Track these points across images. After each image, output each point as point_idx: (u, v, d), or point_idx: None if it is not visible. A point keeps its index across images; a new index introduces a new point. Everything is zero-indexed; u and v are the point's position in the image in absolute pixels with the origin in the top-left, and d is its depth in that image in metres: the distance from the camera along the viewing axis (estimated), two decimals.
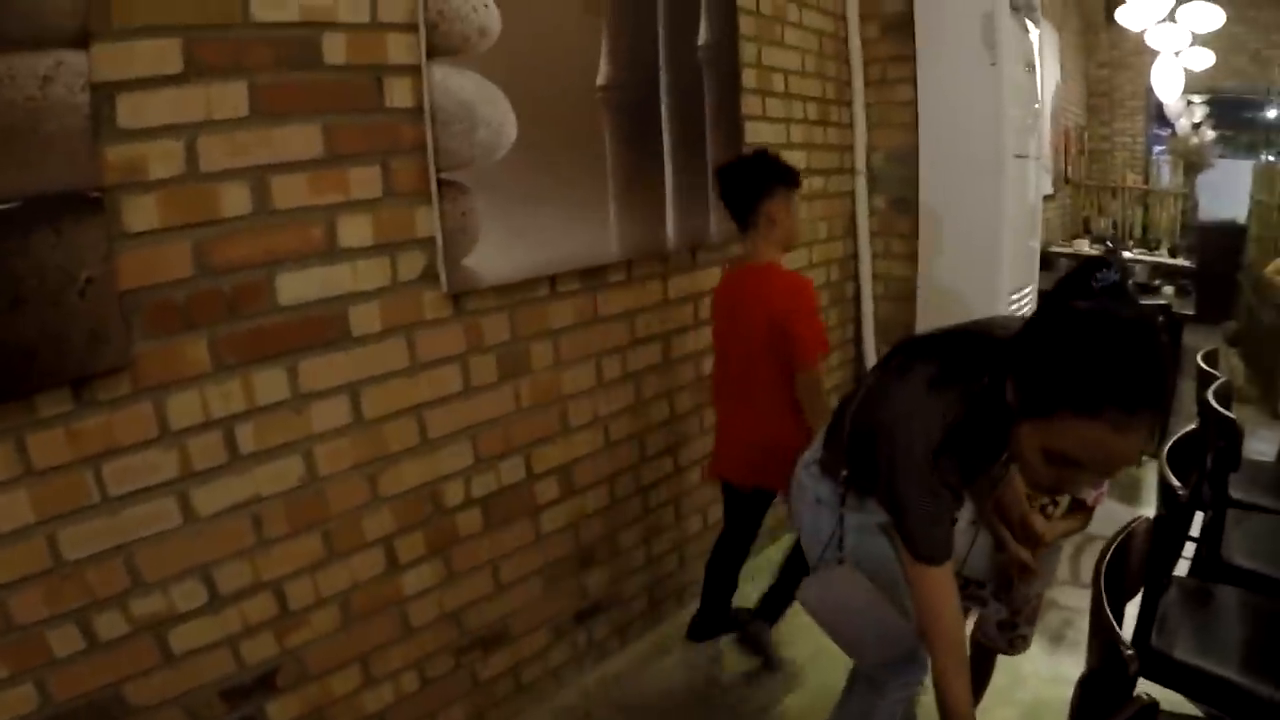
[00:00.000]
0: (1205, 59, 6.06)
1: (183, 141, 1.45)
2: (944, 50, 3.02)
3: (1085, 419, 1.12)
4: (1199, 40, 5.70)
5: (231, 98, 1.51)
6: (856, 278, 3.40)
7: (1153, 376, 1.13)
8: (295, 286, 1.63)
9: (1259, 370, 5.00)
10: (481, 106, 1.78)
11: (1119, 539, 1.51)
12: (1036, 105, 3.40)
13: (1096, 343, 1.14)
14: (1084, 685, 1.41)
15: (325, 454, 1.71)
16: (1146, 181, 7.46)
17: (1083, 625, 2.93)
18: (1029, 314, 1.33)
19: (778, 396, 2.17)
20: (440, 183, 1.76)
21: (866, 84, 3.18)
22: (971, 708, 1.33)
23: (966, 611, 1.84)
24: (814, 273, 3.14)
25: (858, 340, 3.51)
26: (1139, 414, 1.12)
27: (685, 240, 2.45)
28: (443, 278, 1.82)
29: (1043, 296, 1.31)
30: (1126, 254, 5.53)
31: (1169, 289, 4.45)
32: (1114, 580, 1.44)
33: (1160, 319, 4.26)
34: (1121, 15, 5.63)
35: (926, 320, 3.35)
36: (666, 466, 2.57)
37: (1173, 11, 5.31)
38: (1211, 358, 2.91)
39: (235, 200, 1.53)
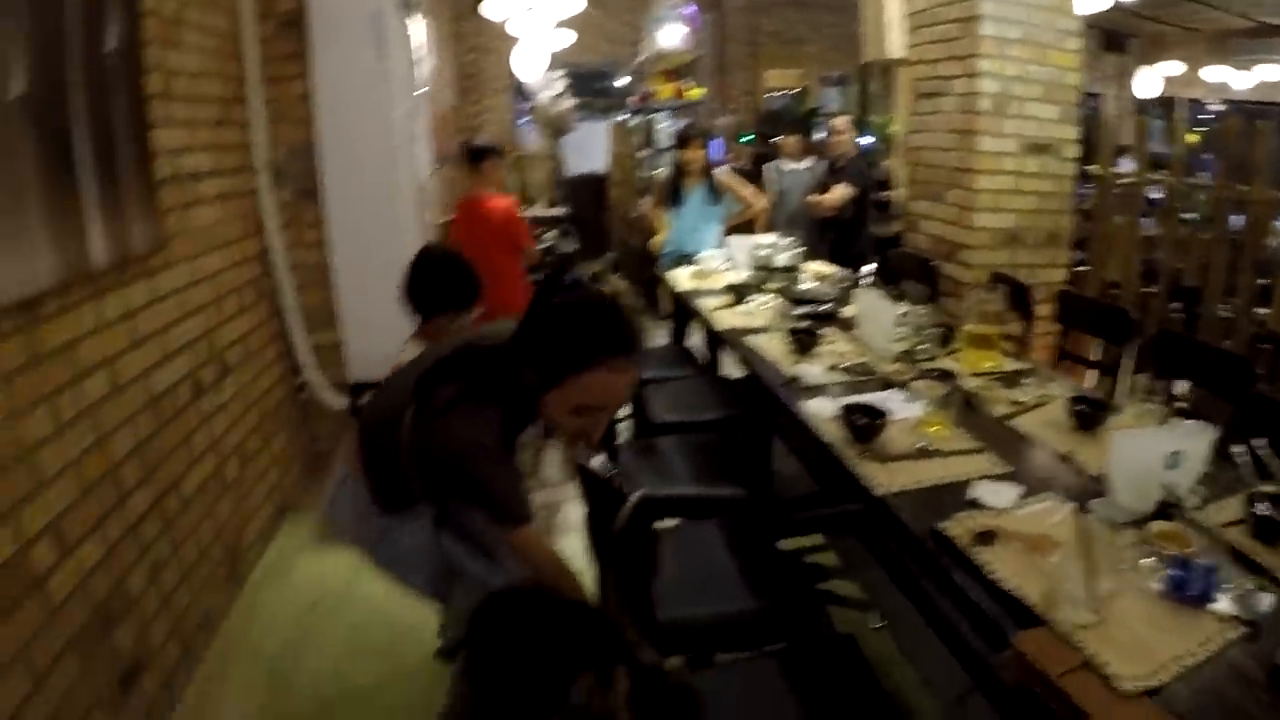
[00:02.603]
0: (567, 38, 6.82)
1: None
2: (336, 46, 3.21)
3: (591, 371, 1.54)
4: (562, 23, 6.43)
5: None
6: (272, 272, 3.43)
7: (623, 328, 1.59)
8: None
9: (639, 285, 6.08)
10: None
11: None
12: (417, 93, 3.78)
13: (580, 317, 1.58)
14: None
15: None
16: (515, 149, 8.35)
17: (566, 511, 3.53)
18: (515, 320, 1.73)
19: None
20: None
21: (263, 81, 3.19)
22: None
23: None
24: (232, 274, 3.11)
25: (285, 332, 3.56)
26: (623, 356, 1.57)
27: (111, 256, 2.28)
28: None
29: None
30: None
31: (550, 234, 5.39)
32: None
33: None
34: (485, 8, 6.23)
35: (347, 301, 3.57)
36: (147, 498, 2.40)
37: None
38: (598, 280, 3.73)
39: None
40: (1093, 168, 4.36)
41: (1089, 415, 2.07)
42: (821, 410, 2.24)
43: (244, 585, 3.06)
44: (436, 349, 1.82)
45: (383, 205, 3.49)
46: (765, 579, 2.05)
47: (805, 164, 5.81)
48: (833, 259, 4.70)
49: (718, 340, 4.08)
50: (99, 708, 2.03)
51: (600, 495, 1.76)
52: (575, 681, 1.36)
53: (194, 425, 2.75)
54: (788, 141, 5.86)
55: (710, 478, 2.57)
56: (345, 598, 2.99)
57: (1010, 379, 2.42)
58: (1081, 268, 4.38)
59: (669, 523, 2.35)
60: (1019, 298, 3.07)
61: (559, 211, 6.81)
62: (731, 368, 4.16)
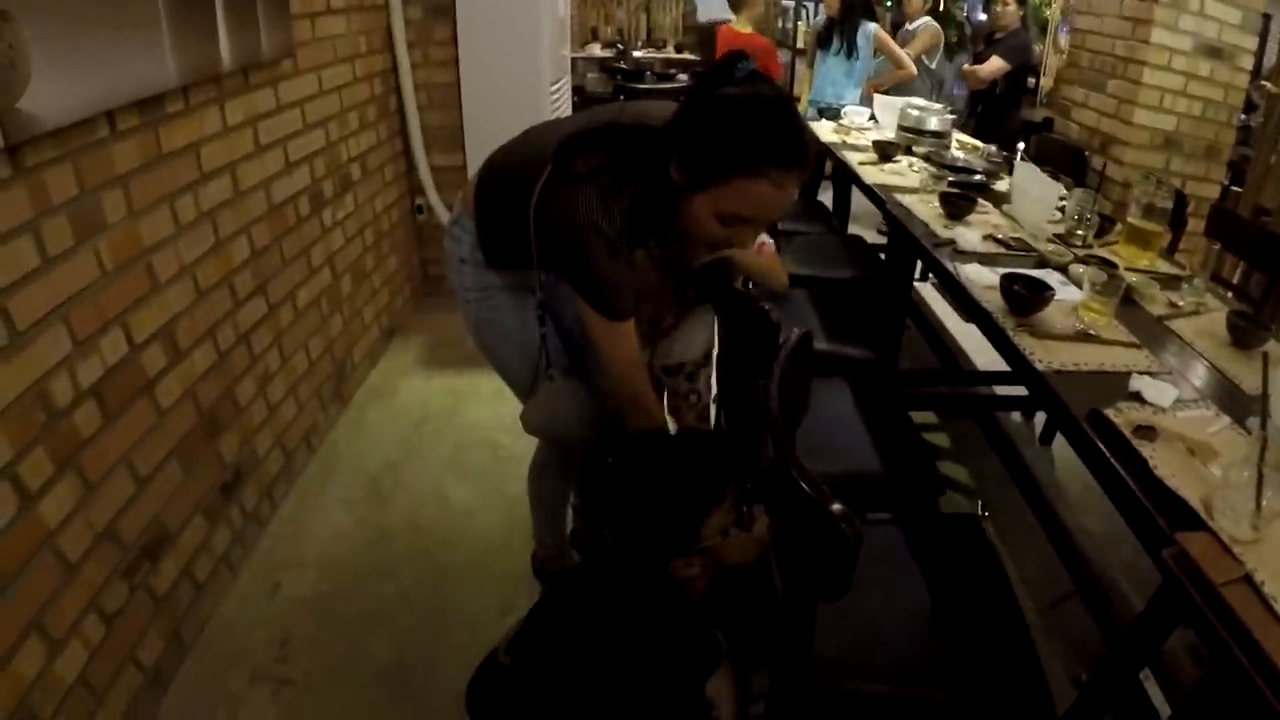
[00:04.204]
0: None
1: None
2: None
3: (751, 178, 1.33)
4: None
5: None
6: (399, 90, 3.33)
7: (800, 140, 1.36)
8: None
9: None
10: None
11: None
12: None
13: (751, 116, 1.33)
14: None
15: None
16: None
17: None
18: (674, 106, 1.50)
19: None
20: None
21: None
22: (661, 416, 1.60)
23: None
24: (357, 88, 3.02)
25: (407, 152, 3.49)
26: (793, 170, 1.35)
27: (238, 60, 2.21)
28: None
29: (691, 91, 1.45)
30: (637, 53, 6.19)
31: (683, 76, 5.31)
32: None
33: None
34: None
35: (473, 124, 3.45)
36: (260, 308, 2.42)
37: None
38: None
39: None
40: (1266, 83, 3.93)
41: (1248, 333, 1.91)
42: (980, 277, 2.17)
43: (349, 403, 3.13)
44: (582, 117, 1.61)
45: (518, 29, 3.29)
46: (887, 445, 2.00)
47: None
48: (978, 135, 4.38)
49: (848, 199, 4.00)
50: (199, 513, 2.11)
51: (752, 325, 1.60)
52: (705, 519, 1.29)
53: (312, 239, 2.75)
54: (912, 1, 5.46)
55: (837, 336, 2.53)
56: (449, 421, 3.04)
57: (1168, 281, 2.27)
58: (1235, 188, 4.05)
59: None
60: (1174, 204, 2.82)
61: (688, 57, 6.52)
62: (860, 229, 4.06)
